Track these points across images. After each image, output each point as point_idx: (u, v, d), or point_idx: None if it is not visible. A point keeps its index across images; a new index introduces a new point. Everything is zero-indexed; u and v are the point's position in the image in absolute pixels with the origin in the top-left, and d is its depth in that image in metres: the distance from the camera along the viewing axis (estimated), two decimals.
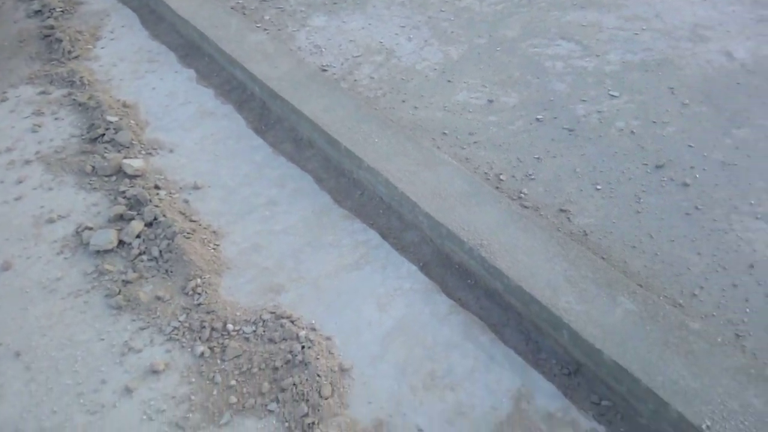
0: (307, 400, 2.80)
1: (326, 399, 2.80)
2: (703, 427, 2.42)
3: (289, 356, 2.96)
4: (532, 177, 3.79)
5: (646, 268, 3.22)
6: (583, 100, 4.34)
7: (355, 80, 4.70)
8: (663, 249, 3.29)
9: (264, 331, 3.11)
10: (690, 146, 3.91)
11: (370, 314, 3.16)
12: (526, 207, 3.59)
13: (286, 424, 2.74)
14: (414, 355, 2.97)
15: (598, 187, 3.69)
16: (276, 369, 2.93)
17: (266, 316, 3.17)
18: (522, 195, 3.68)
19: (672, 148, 3.90)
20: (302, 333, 3.05)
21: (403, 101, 4.45)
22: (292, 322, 3.14)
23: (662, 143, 3.94)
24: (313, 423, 2.73)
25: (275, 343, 3.06)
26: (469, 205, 3.44)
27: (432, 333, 3.06)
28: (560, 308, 2.90)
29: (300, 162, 4.17)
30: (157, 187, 3.94)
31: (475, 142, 4.06)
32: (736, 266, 3.18)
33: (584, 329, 2.80)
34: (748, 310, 2.99)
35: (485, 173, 3.82)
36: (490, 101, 4.42)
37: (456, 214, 3.39)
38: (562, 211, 3.57)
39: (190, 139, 4.38)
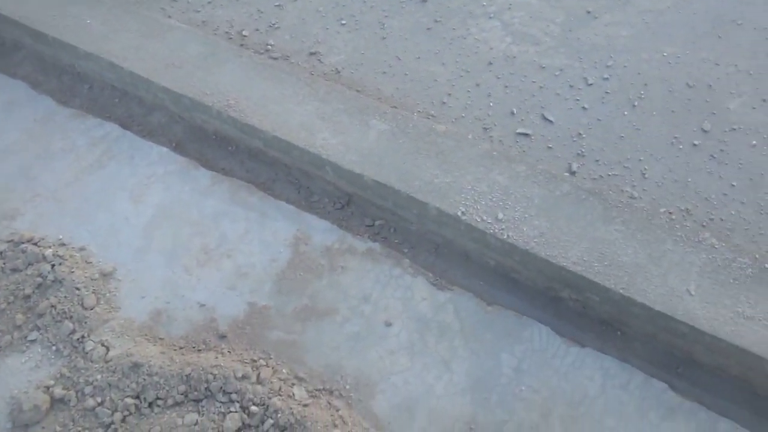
0: (71, 317, 2.50)
1: (91, 309, 2.52)
2: (459, 214, 2.55)
3: (39, 279, 2.59)
4: (277, 26, 3.53)
5: (398, 89, 3.22)
6: None
7: None
8: (411, 68, 3.30)
9: (4, 263, 2.67)
10: None
11: (124, 210, 2.84)
12: (275, 58, 3.36)
13: (54, 348, 2.44)
14: (181, 235, 2.75)
15: (343, 22, 3.55)
16: (27, 297, 2.56)
17: (2, 247, 2.71)
18: (269, 47, 3.43)
19: None
20: (48, 252, 2.66)
21: None
22: (35, 244, 2.72)
23: None
24: (83, 336, 2.45)
25: (20, 271, 2.65)
26: (208, 68, 3.13)
27: (197, 208, 2.84)
28: (318, 146, 2.81)
29: (7, 69, 3.48)
30: None
31: (209, 2, 3.65)
32: (477, 67, 3.29)
33: (343, 159, 2.76)
34: (491, 104, 3.15)
35: (227, 32, 3.48)
36: None
37: (196, 80, 3.07)
38: (312, 54, 3.40)
39: None
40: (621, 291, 2.31)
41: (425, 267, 2.64)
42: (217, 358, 2.36)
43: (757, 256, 2.36)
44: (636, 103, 3.08)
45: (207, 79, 3.06)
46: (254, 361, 2.37)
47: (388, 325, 2.47)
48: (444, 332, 2.43)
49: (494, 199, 2.59)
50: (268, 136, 2.90)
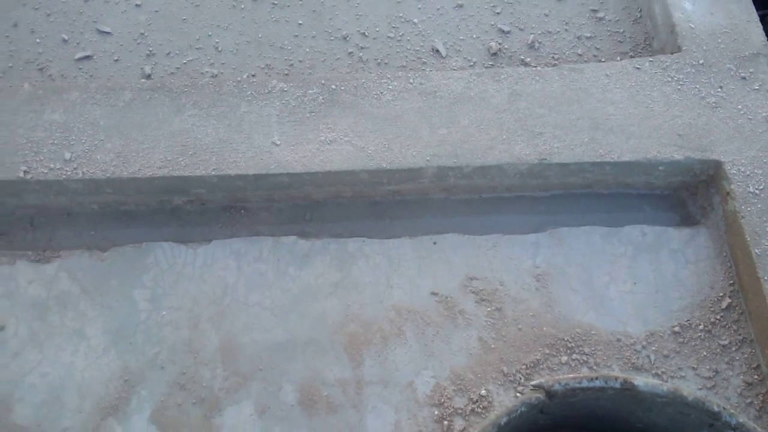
0: None
1: None
2: (22, 175, 2.20)
3: None
4: None
5: None
6: None
7: None
8: None
9: None
10: None
11: None
12: None
13: None
14: None
15: None
16: None
17: None
18: None
19: None
20: None
21: None
22: None
23: None
24: None
25: None
26: None
27: None
28: None
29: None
30: None
31: None
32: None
33: None
34: (37, 39, 2.71)
35: None
36: None
37: None
38: None
39: None
40: (214, 173, 2.22)
41: (23, 247, 2.30)
42: None
43: (323, 81, 2.41)
44: None
45: None
46: None
47: (1, 329, 2.12)
48: (66, 304, 2.16)
49: (56, 141, 2.28)
50: None
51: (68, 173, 2.21)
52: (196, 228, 2.35)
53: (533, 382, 1.70)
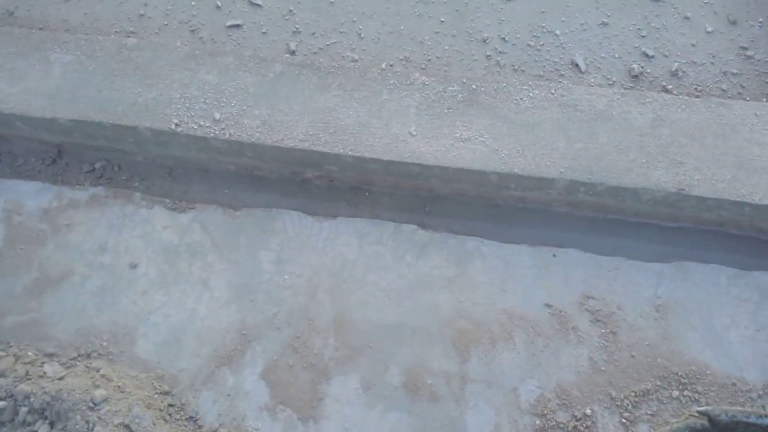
0: None
1: None
2: (173, 127, 2.34)
3: None
4: None
5: (87, 15, 2.82)
6: None
7: None
8: None
9: None
10: None
11: None
12: None
13: None
14: None
15: None
16: None
17: None
18: None
19: None
20: None
21: None
22: None
23: None
24: None
25: None
26: None
27: None
28: None
29: None
30: None
31: None
32: None
33: (30, 107, 2.38)
34: (193, 2, 2.87)
35: None
36: None
37: None
38: None
39: None
40: (351, 153, 2.30)
41: (161, 194, 2.45)
42: None
43: (464, 80, 2.45)
44: None
45: None
46: None
47: (134, 266, 2.27)
48: (195, 253, 2.29)
49: (208, 101, 2.41)
50: None
51: (216, 132, 2.34)
52: (322, 203, 2.44)
53: (699, 408, 1.69)
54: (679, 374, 2.03)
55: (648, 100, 2.35)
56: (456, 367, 2.08)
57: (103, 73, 2.45)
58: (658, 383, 2.02)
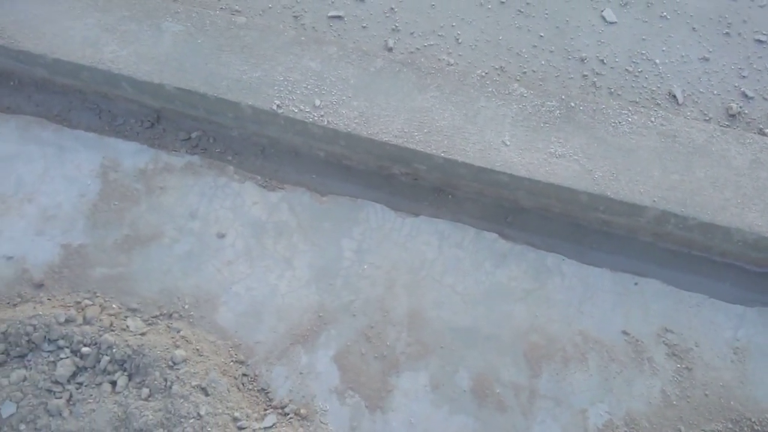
0: None
1: None
2: (274, 108, 2.41)
3: None
4: None
5: None
6: None
7: None
8: None
9: None
10: None
11: None
12: None
13: None
14: None
15: None
16: None
17: None
18: None
19: None
20: None
21: None
22: None
23: None
24: None
25: None
26: None
27: None
28: (107, 61, 2.50)
29: None
30: None
31: None
32: None
33: (138, 71, 2.48)
34: None
35: None
36: None
37: None
38: None
39: None
40: (443, 155, 2.33)
41: (253, 171, 2.51)
42: (35, 308, 2.14)
43: (563, 97, 2.45)
44: None
45: None
46: (78, 303, 2.17)
47: (221, 236, 2.34)
48: (281, 232, 2.35)
49: (309, 87, 2.47)
50: (48, 60, 2.53)
51: (315, 118, 2.39)
52: (405, 200, 2.47)
53: None
54: (753, 420, 2.00)
55: (749, 141, 2.33)
56: (526, 380, 2.09)
57: (211, 47, 2.53)
58: (730, 426, 1.99)
